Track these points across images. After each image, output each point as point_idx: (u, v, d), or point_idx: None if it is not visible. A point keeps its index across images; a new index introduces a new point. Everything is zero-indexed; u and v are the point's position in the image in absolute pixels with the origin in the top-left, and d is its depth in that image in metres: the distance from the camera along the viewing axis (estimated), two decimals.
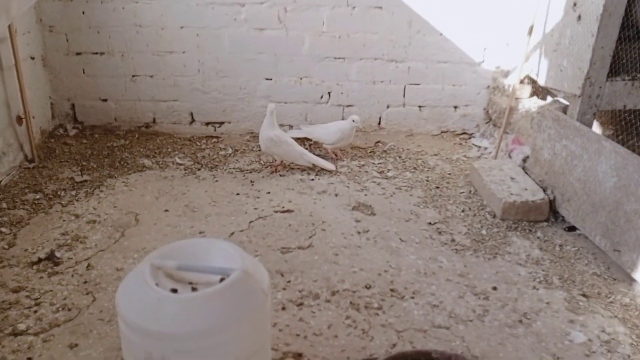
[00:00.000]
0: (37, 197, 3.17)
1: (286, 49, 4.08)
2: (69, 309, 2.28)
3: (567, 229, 3.03)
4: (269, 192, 3.35)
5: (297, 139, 3.81)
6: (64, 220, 2.95)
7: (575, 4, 3.09)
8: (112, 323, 2.18)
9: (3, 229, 2.83)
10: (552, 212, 3.12)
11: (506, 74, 4.07)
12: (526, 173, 3.38)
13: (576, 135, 2.96)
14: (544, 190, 3.16)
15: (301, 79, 4.18)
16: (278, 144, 3.52)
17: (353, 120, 3.71)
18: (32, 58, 3.81)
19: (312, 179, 3.55)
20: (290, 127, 4.24)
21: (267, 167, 3.72)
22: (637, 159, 2.55)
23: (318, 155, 3.72)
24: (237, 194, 3.33)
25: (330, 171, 3.63)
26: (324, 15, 4.00)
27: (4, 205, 3.05)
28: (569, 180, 3.00)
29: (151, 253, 1.64)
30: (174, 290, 1.56)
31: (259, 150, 3.95)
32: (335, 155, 3.89)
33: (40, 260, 2.59)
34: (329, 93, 4.22)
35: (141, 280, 1.52)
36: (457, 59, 4.14)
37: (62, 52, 4.02)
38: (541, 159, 3.27)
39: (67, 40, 3.99)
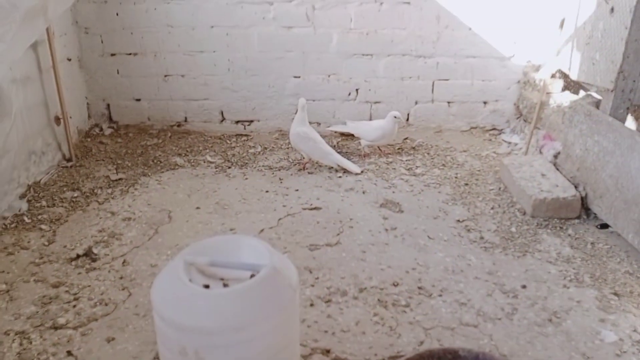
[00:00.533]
0: (75, 195, 3.29)
1: (314, 46, 4.11)
2: (106, 304, 2.36)
3: (599, 226, 2.99)
4: (297, 190, 3.40)
5: (325, 138, 3.85)
6: (100, 218, 3.05)
7: None
8: (147, 318, 2.26)
9: (43, 226, 2.95)
10: (583, 209, 3.07)
11: (537, 68, 4.02)
12: (557, 169, 3.34)
13: (609, 130, 2.91)
14: (576, 187, 3.12)
15: (329, 76, 4.20)
16: (305, 141, 3.57)
17: (395, 117, 3.71)
18: (69, 59, 3.93)
19: (340, 177, 3.57)
20: (319, 124, 4.27)
21: (295, 164, 3.76)
22: None
23: (345, 154, 3.75)
24: (267, 191, 3.38)
25: (355, 174, 3.61)
26: (352, 11, 4.01)
27: (44, 203, 3.18)
28: (601, 176, 2.95)
29: (184, 249, 1.69)
30: (206, 286, 1.61)
31: (288, 148, 4.01)
32: (382, 151, 3.92)
33: (78, 256, 2.69)
34: (357, 90, 4.24)
35: (175, 276, 1.58)
36: (486, 53, 4.10)
37: (98, 53, 4.14)
38: (572, 155, 3.22)
39: (102, 42, 4.11)
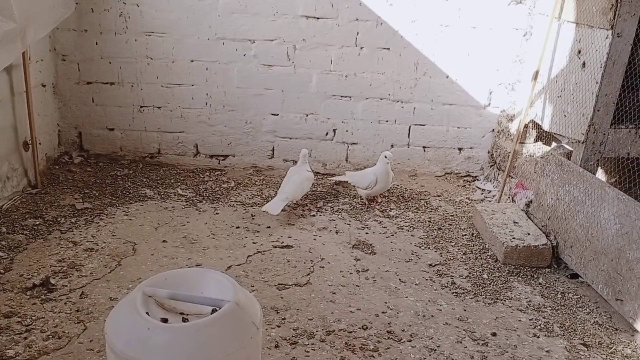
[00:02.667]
0: (37, 222, 3.17)
1: (294, 85, 4.13)
2: (59, 337, 2.23)
3: (569, 276, 2.98)
4: (269, 227, 3.33)
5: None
6: (61, 247, 2.93)
7: (579, 52, 3.13)
8: (102, 353, 2.14)
9: (0, 253, 2.82)
10: (554, 258, 3.07)
11: (511, 118, 4.09)
12: (529, 217, 3.36)
13: (579, 181, 2.95)
14: (547, 236, 3.13)
15: (307, 115, 4.21)
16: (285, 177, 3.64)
17: (385, 157, 3.61)
18: (43, 85, 3.87)
19: (314, 215, 3.53)
20: (294, 162, 4.25)
21: (268, 201, 3.70)
22: None
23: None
24: (237, 227, 3.31)
25: (271, 214, 3.34)
26: (332, 54, 4.06)
27: (4, 229, 3.04)
28: (571, 226, 2.97)
29: (144, 281, 1.61)
30: (165, 320, 1.53)
31: (262, 184, 3.97)
32: (372, 201, 3.77)
33: (34, 286, 2.56)
34: (334, 130, 4.25)
35: (132, 308, 1.50)
36: (462, 101, 4.17)
37: (73, 80, 4.08)
38: (544, 204, 3.25)
39: (79, 70, 4.06)
